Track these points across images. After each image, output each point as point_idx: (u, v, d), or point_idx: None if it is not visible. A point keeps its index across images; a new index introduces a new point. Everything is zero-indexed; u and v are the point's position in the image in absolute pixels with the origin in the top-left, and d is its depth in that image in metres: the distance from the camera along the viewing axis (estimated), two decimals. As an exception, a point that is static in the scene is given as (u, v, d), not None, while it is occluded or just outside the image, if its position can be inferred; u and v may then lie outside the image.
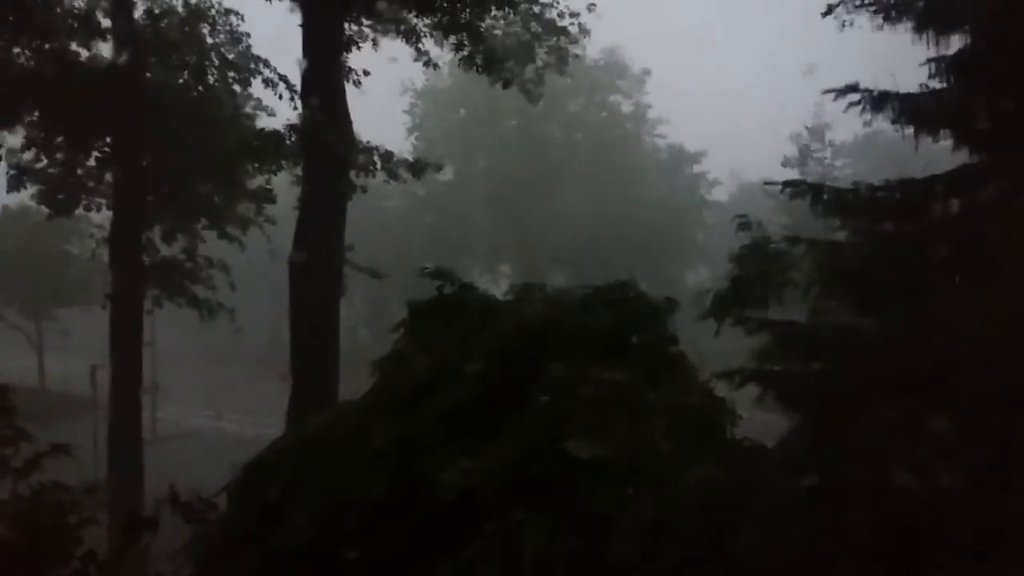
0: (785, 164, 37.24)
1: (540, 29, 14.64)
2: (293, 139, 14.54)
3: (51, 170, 15.87)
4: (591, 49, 41.39)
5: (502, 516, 4.06)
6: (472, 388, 4.62)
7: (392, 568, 4.31)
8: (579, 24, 14.67)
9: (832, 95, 6.45)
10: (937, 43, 6.23)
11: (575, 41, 14.84)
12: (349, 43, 14.11)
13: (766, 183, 7.49)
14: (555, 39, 14.86)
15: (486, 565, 3.94)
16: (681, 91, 52.71)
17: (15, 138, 15.61)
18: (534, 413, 4.46)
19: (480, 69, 14.61)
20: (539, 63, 15.07)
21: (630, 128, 43.94)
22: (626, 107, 44.39)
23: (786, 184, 6.99)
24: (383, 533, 4.36)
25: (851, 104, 6.35)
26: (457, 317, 5.17)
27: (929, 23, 6.18)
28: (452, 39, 14.27)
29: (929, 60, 6.37)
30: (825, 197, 6.53)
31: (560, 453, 4.19)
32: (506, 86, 15.03)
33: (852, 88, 6.35)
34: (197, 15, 15.37)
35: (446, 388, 4.68)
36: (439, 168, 17.53)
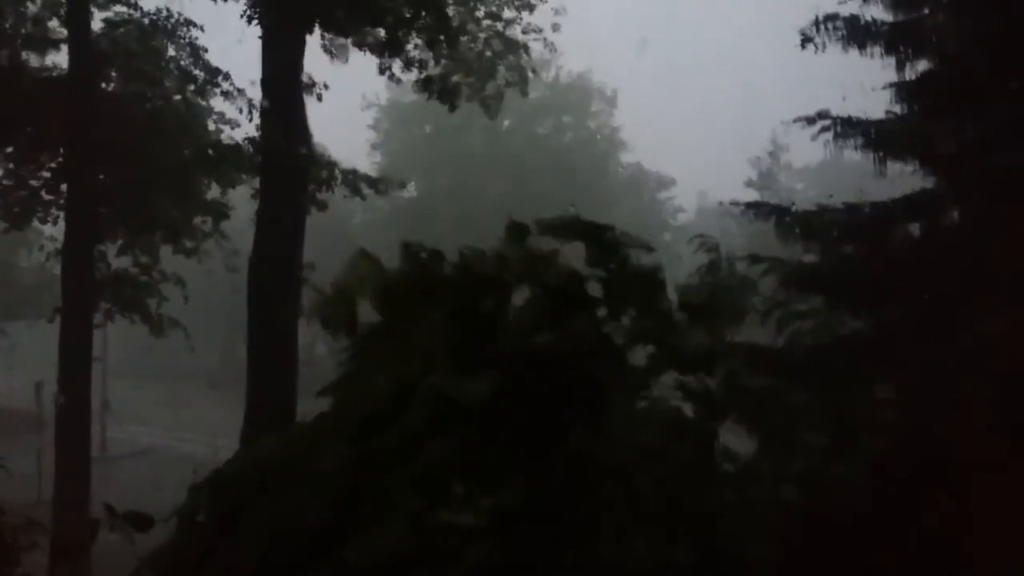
0: (748, 185, 37.96)
1: (501, 47, 14.65)
2: (252, 152, 14.36)
3: (4, 182, 15.47)
4: (560, 72, 42.03)
5: None
6: (429, 412, 4.47)
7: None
8: (545, 40, 14.72)
9: (793, 120, 6.51)
10: (903, 68, 6.32)
11: (542, 60, 14.88)
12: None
13: (731, 203, 7.53)
14: (516, 57, 14.88)
15: None
16: (650, 113, 53.30)
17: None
18: None
19: (432, 96, 14.51)
20: (500, 80, 15.06)
21: (598, 150, 44.32)
22: (595, 129, 44.80)
23: (749, 206, 7.02)
24: (328, 559, 4.23)
25: (822, 130, 6.41)
26: (412, 336, 5.04)
27: (896, 48, 6.27)
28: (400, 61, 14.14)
29: (891, 84, 6.46)
30: (788, 219, 6.58)
31: None
32: (452, 108, 14.97)
33: (822, 115, 6.42)
34: (155, 26, 15.10)
35: (404, 412, 4.52)
36: (402, 185, 17.44)
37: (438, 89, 14.26)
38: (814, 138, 6.50)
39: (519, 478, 4.07)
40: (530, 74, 15.28)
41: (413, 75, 14.52)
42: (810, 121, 6.47)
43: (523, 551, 3.95)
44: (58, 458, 14.28)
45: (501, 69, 14.70)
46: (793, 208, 6.77)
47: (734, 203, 7.37)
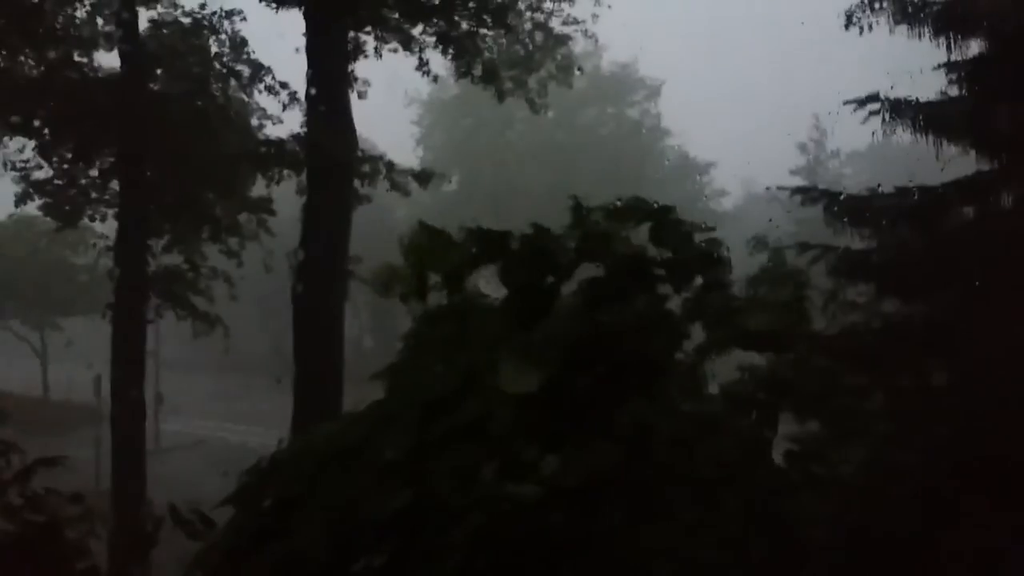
0: (795, 173, 37.35)
1: (543, 40, 14.61)
2: (297, 148, 14.52)
3: (56, 181, 15.84)
4: (604, 61, 41.82)
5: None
6: (497, 401, 4.45)
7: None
8: (585, 31, 14.64)
9: (844, 103, 6.35)
10: (955, 48, 6.14)
11: (585, 52, 14.83)
12: (355, 52, 14.09)
13: (778, 188, 7.39)
14: (559, 50, 14.83)
15: None
16: (694, 98, 52.75)
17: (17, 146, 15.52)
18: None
19: (476, 80, 14.57)
20: (544, 73, 15.03)
21: (643, 140, 44.03)
22: (637, 118, 44.50)
23: (797, 191, 6.88)
24: (394, 548, 4.26)
25: (872, 113, 6.25)
26: (476, 324, 5.05)
27: (948, 27, 6.09)
28: (450, 50, 14.24)
29: (943, 65, 6.27)
30: (838, 204, 6.43)
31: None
32: (501, 98, 15.00)
33: (872, 98, 6.25)
34: (200, 24, 15.33)
35: (468, 400, 4.53)
36: (445, 178, 17.51)
37: (485, 74, 14.27)
38: (864, 122, 6.34)
39: (578, 451, 4.08)
40: (577, 71, 15.27)
41: (453, 69, 14.61)
42: (860, 104, 6.31)
43: (582, 522, 3.97)
44: (114, 450, 14.66)
45: (545, 62, 14.69)
46: (843, 193, 6.61)
47: (781, 188, 7.23)
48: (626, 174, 40.88)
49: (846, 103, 6.33)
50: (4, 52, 14.02)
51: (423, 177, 15.31)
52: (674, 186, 43.37)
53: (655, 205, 4.95)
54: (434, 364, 4.95)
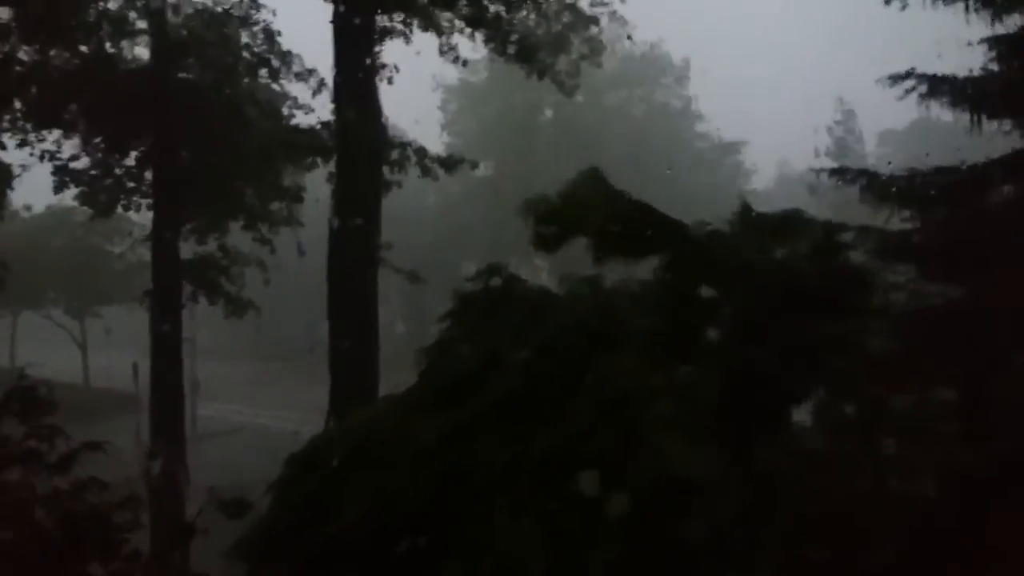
0: (824, 154, 36.85)
1: (571, 19, 14.49)
2: (327, 135, 14.57)
3: (92, 171, 16.05)
4: (632, 43, 41.39)
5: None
6: (519, 378, 4.47)
7: (439, 564, 4.22)
8: (613, 12, 14.50)
9: (886, 78, 6.20)
10: (996, 22, 5.97)
11: (613, 33, 14.69)
12: (382, 35, 14.04)
13: (813, 170, 7.27)
14: (588, 29, 14.70)
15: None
16: (723, 78, 51.94)
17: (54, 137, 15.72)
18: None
19: (512, 58, 14.46)
20: (574, 54, 14.91)
21: (672, 122, 43.59)
22: (667, 99, 44.05)
23: (834, 172, 6.77)
24: (431, 530, 4.28)
25: (909, 89, 6.11)
26: (506, 308, 5.01)
27: (990, 1, 5.92)
28: (482, 31, 14.17)
29: (986, 40, 6.10)
30: (877, 183, 6.31)
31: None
32: (540, 77, 14.88)
33: (911, 73, 6.11)
34: (228, 14, 15.41)
35: (493, 378, 4.53)
36: (472, 164, 17.49)
37: (522, 52, 14.14)
38: (901, 98, 6.21)
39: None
40: (609, 47, 15.12)
41: (488, 50, 14.54)
42: (897, 79, 6.17)
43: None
44: (153, 436, 14.91)
45: (575, 42, 14.57)
46: (880, 173, 6.48)
47: (816, 169, 7.12)
48: (657, 157, 40.58)
49: (885, 79, 6.19)
50: (39, 46, 14.18)
51: (450, 163, 15.28)
52: (706, 169, 43.00)
53: (818, 221, 4.64)
54: (464, 348, 4.95)
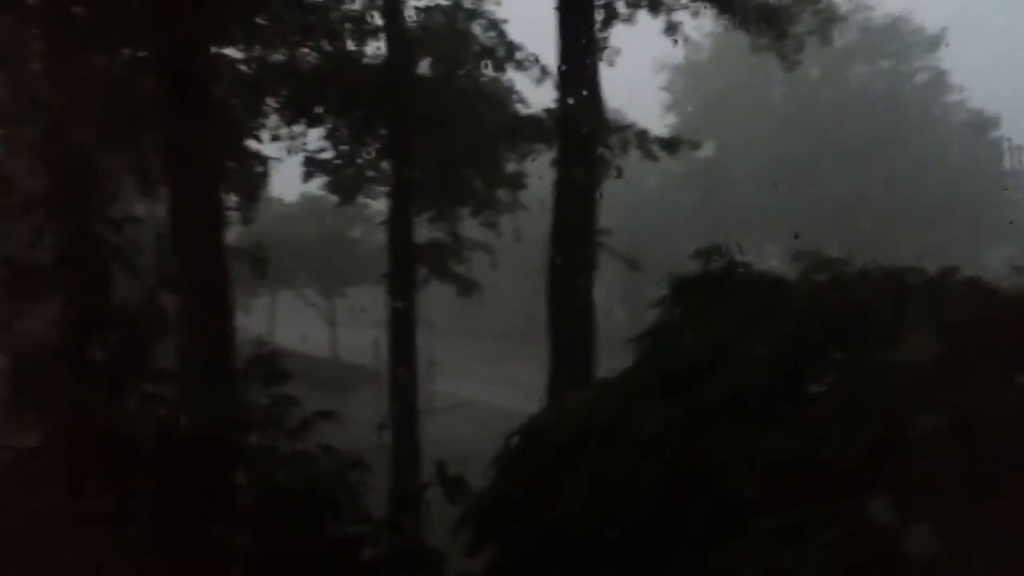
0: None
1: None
2: (549, 122, 14.84)
3: (336, 161, 17.45)
4: (874, 14, 38.47)
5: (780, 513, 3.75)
6: (755, 373, 4.23)
7: (664, 555, 4.17)
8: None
9: None
10: None
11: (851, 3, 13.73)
12: (607, 20, 14.05)
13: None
14: (817, 2, 13.86)
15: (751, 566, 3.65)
16: (980, 50, 46.72)
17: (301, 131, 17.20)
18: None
19: (752, 29, 13.89)
20: (802, 28, 14.11)
21: (920, 96, 40.03)
22: (916, 73, 40.47)
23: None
24: (657, 520, 4.21)
25: None
26: (733, 294, 4.81)
27: None
28: (716, 4, 13.79)
29: None
30: None
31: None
32: (765, 51, 14.20)
33: None
34: (459, 7, 16.11)
35: (723, 371, 4.32)
36: (696, 145, 17.09)
37: (764, 16, 13.60)
38: None
39: None
40: (840, 25, 14.18)
41: (705, 29, 14.16)
42: None
43: None
44: (391, 408, 16.01)
45: (803, 16, 13.79)
46: None
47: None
48: (902, 135, 37.47)
49: None
50: (289, 47, 15.57)
51: (672, 145, 15.03)
52: (959, 148, 39.14)
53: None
54: (685, 334, 4.80)
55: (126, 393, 4.41)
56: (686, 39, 15.42)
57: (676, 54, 40.65)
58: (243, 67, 14.93)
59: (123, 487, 4.42)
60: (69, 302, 4.47)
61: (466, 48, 16.36)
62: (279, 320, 36.96)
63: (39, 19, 11.10)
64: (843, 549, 3.39)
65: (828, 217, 35.78)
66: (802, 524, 3.54)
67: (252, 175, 16.16)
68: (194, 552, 4.41)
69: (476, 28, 16.41)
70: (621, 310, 41.27)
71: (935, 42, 39.86)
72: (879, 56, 40.05)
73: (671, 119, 41.84)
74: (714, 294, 5.00)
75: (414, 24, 16.24)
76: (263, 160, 16.35)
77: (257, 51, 14.95)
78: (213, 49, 11.13)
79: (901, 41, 40.11)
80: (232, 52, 13.99)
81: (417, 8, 16.39)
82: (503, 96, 16.65)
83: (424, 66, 16.57)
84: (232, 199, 16.66)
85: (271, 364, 4.84)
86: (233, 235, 18.10)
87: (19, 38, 12.03)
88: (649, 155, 15.31)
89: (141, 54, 11.23)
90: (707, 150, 37.37)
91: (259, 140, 15.94)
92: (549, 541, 4.42)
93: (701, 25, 14.97)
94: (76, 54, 10.72)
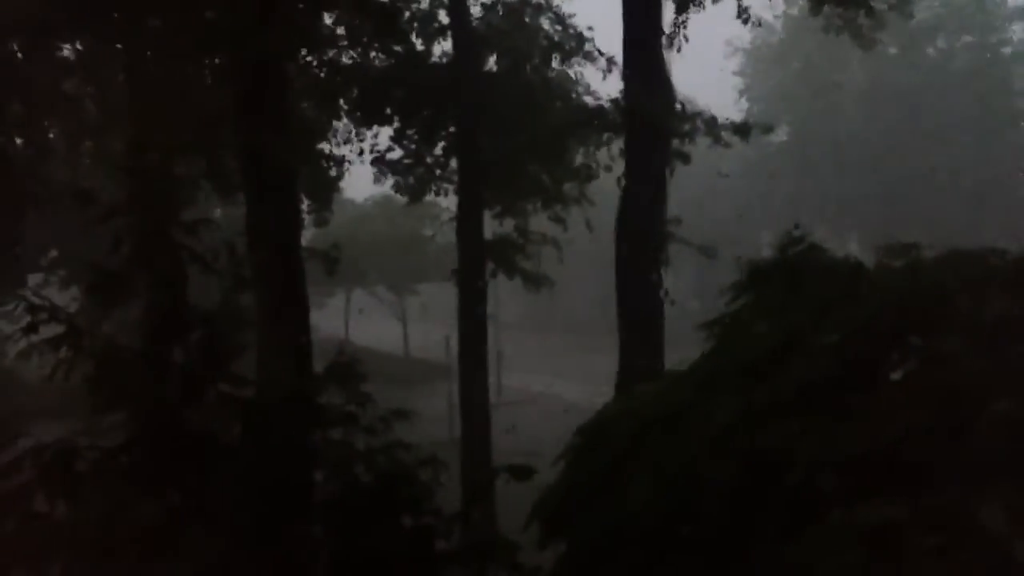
0: None
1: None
2: (616, 113, 14.73)
3: (405, 161, 17.68)
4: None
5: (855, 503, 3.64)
6: (826, 364, 4.12)
7: (735, 548, 4.11)
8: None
9: None
10: None
11: None
12: (680, 7, 13.83)
13: None
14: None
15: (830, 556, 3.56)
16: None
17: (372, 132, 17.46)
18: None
19: (834, 7, 13.47)
20: (881, 4, 13.65)
21: (1006, 71, 38.23)
22: (1000, 47, 38.65)
23: None
24: (728, 513, 4.15)
25: None
26: (808, 281, 4.67)
27: None
28: None
29: None
30: None
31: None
32: (838, 32, 13.78)
33: None
34: (525, 2, 16.12)
35: (796, 361, 4.21)
36: (768, 130, 16.73)
37: None
38: None
39: None
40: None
41: (777, 10, 13.82)
42: None
43: None
44: (462, 403, 16.17)
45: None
46: None
47: None
48: (988, 113, 35.87)
49: None
50: (359, 49, 15.82)
51: (743, 130, 14.74)
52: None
53: None
54: (758, 323, 4.69)
55: (206, 393, 4.58)
56: (759, 22, 15.10)
57: (749, 37, 39.96)
58: (315, 70, 15.24)
59: (204, 484, 4.59)
60: (149, 305, 4.66)
61: (533, 43, 16.35)
62: (352, 318, 37.73)
63: (120, 33, 11.56)
64: (952, 556, 3.22)
65: (909, 200, 34.56)
66: (895, 523, 3.43)
67: (325, 177, 16.49)
68: (274, 546, 4.55)
69: (543, 22, 16.38)
70: (695, 300, 40.74)
71: (1020, 12, 38.04)
72: (962, 30, 38.43)
73: (744, 104, 41.08)
74: (789, 281, 4.89)
75: (480, 21, 16.31)
76: (336, 162, 16.66)
77: (328, 55, 15.23)
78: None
79: (985, 13, 38.41)
80: (304, 56, 14.28)
81: (483, 4, 16.45)
82: (569, 88, 16.59)
83: (491, 62, 16.62)
84: (307, 201, 17.06)
85: (351, 368, 4.96)
86: (308, 236, 18.55)
87: (102, 53, 12.56)
88: (719, 142, 15.06)
89: (218, 62, 11.58)
90: (781, 134, 36.51)
91: (331, 143, 16.26)
92: (618, 535, 4.40)
93: (774, 5, 14.60)
94: (156, 65, 11.12)
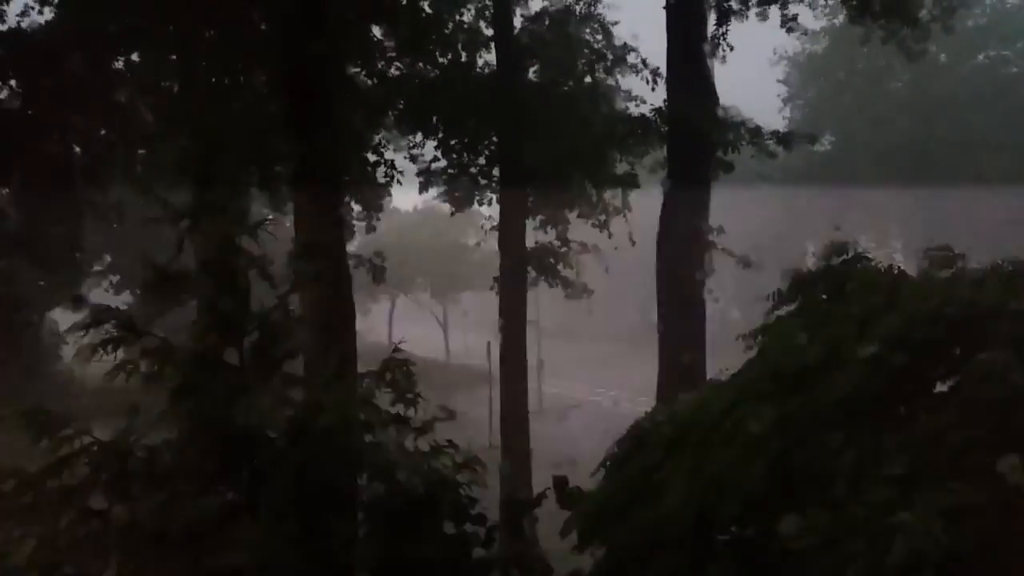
0: None
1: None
2: (659, 123, 14.75)
3: (449, 171, 17.88)
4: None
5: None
6: (866, 374, 4.11)
7: (766, 556, 4.14)
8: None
9: None
10: None
11: None
12: (721, 18, 13.82)
13: None
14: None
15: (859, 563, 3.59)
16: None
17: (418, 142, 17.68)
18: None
19: (876, 17, 13.36)
20: (923, 15, 13.50)
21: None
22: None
23: None
24: (759, 521, 4.18)
25: None
26: (852, 292, 4.67)
27: None
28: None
29: None
30: None
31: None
32: (884, 42, 13.63)
33: None
34: (568, 12, 16.23)
35: (837, 372, 4.22)
36: (812, 139, 16.59)
37: (884, 8, 13.05)
38: None
39: None
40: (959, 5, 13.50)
41: (821, 21, 13.76)
42: None
43: None
44: (502, 409, 16.27)
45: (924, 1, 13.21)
46: None
47: None
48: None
49: None
50: (407, 60, 16.05)
51: (786, 140, 14.66)
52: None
53: None
54: (799, 333, 4.71)
55: (258, 393, 4.73)
56: (805, 31, 15.04)
57: (794, 45, 39.61)
58: (363, 80, 15.51)
59: (252, 483, 4.73)
60: (206, 306, 4.83)
61: (576, 53, 16.45)
62: (396, 324, 38.12)
63: (176, 45, 11.92)
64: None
65: (955, 210, 33.88)
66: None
67: (373, 186, 16.76)
68: (321, 545, 4.67)
69: (586, 33, 16.47)
70: (736, 311, 40.38)
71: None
72: (1011, 37, 37.63)
73: (788, 112, 40.69)
74: (833, 291, 4.90)
75: (524, 31, 16.45)
76: (388, 165, 16.90)
77: (377, 66, 15.50)
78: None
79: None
80: (353, 67, 14.56)
81: (525, 16, 16.60)
82: (612, 98, 16.65)
83: (534, 72, 16.75)
84: (355, 209, 17.34)
85: (404, 366, 5.04)
86: (357, 242, 18.79)
87: (159, 64, 12.96)
88: (763, 151, 14.98)
89: (270, 72, 11.89)
90: (825, 144, 36.03)
91: (379, 153, 16.52)
92: (654, 541, 4.44)
93: (819, 13, 14.54)
94: (210, 77, 11.45)
